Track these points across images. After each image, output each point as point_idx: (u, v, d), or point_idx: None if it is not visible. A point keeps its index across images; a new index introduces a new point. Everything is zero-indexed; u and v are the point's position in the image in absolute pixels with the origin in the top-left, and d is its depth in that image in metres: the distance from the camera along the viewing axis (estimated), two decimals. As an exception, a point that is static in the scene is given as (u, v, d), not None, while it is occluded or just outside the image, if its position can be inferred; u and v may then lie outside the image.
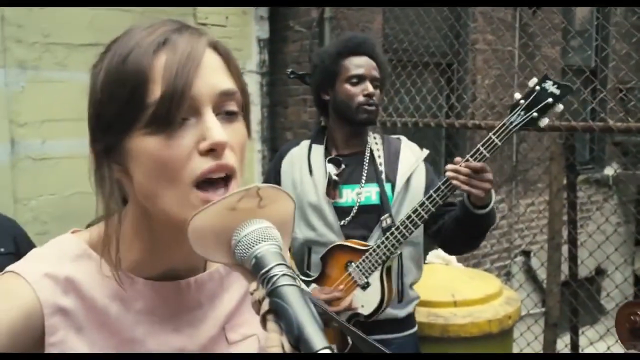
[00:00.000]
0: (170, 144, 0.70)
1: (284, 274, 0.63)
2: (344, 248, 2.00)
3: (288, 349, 0.59)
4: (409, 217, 1.90)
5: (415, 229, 1.91)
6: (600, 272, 5.56)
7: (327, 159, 2.06)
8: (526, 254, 5.47)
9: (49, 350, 0.72)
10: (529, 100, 1.73)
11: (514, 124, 1.74)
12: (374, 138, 2.13)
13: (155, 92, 0.69)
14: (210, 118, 0.71)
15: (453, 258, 2.99)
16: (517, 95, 1.77)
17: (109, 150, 0.73)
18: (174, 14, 3.50)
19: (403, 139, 2.19)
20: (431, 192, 1.87)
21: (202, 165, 0.70)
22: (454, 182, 1.77)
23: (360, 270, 1.97)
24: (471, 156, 1.77)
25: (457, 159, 1.82)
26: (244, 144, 0.76)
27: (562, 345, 3.65)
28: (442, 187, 1.84)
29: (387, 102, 3.91)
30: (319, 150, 2.10)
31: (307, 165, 2.08)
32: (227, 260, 0.69)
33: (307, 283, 2.03)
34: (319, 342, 0.58)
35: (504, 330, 2.57)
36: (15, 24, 2.96)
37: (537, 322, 3.66)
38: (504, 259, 5.32)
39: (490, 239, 4.78)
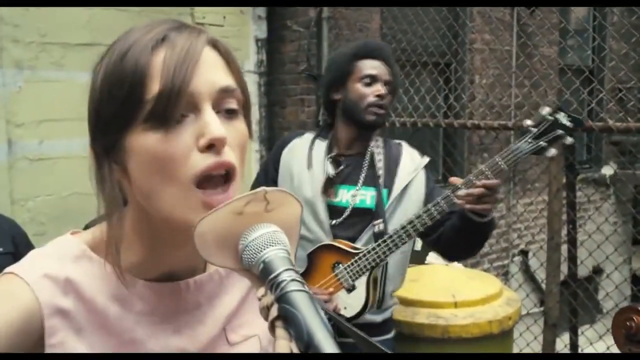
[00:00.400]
0: (168, 140, 0.69)
1: (292, 279, 0.62)
2: (334, 248, 1.99)
3: (298, 356, 0.58)
4: (403, 227, 1.89)
5: (409, 239, 1.91)
6: (597, 271, 5.57)
7: (328, 156, 2.05)
8: (524, 253, 5.48)
9: (49, 351, 0.71)
10: (540, 129, 1.72)
11: (522, 152, 1.74)
12: (376, 141, 2.12)
13: (153, 88, 0.68)
14: (209, 114, 0.70)
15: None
16: (528, 122, 1.76)
17: (108, 150, 0.72)
18: (172, 14, 3.48)
19: (404, 144, 2.17)
20: (429, 206, 1.85)
21: (201, 162, 0.69)
22: (467, 206, 1.75)
23: (348, 273, 1.96)
24: (474, 177, 1.76)
25: (454, 179, 1.82)
26: (244, 143, 0.75)
27: (562, 345, 3.65)
28: (441, 202, 1.83)
29: (386, 102, 3.90)
30: (321, 146, 2.09)
31: (306, 158, 2.06)
32: (234, 266, 0.68)
33: None
34: (329, 349, 0.57)
35: (505, 330, 2.57)
36: (11, 23, 2.94)
37: (537, 322, 3.66)
38: (503, 259, 5.32)
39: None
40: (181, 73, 0.69)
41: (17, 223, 2.20)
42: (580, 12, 5.90)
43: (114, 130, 0.71)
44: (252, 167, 3.97)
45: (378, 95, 1.99)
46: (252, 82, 3.96)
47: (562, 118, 1.71)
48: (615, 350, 1.72)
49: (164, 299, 0.79)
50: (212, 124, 0.69)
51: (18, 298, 0.70)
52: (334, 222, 2.01)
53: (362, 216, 2.01)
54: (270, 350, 0.88)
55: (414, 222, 1.87)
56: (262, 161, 4.01)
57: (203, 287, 0.83)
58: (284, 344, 0.59)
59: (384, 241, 1.90)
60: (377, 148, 2.09)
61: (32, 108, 2.99)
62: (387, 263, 2.02)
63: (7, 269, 0.74)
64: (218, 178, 0.71)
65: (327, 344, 0.57)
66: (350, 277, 1.96)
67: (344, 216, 2.01)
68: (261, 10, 3.97)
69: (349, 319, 1.97)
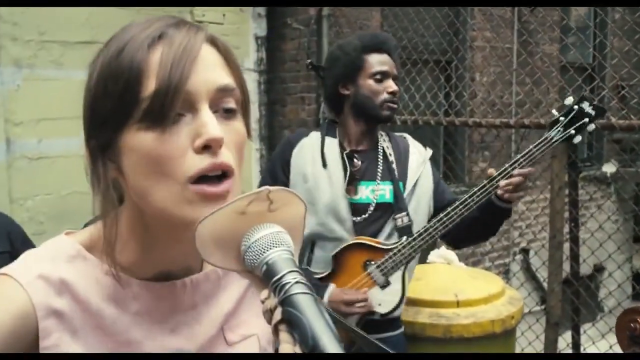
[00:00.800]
0: (164, 139, 0.68)
1: (297, 282, 0.60)
2: (362, 246, 1.97)
3: (302, 360, 0.56)
4: (439, 219, 1.92)
5: (445, 230, 1.94)
6: (599, 269, 5.56)
7: (344, 153, 2.03)
8: (525, 251, 5.47)
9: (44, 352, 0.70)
10: (568, 118, 1.88)
11: (554, 140, 1.89)
12: (381, 135, 2.12)
13: (150, 86, 0.67)
14: (205, 114, 0.69)
15: (455, 257, 2.97)
16: (555, 112, 1.92)
17: (103, 148, 0.71)
18: (171, 12, 3.46)
19: (408, 137, 2.18)
20: (465, 196, 1.92)
21: (197, 163, 0.68)
22: (507, 195, 1.86)
23: (381, 270, 1.96)
24: (510, 166, 1.88)
25: (491, 170, 1.92)
26: (242, 143, 0.74)
27: (564, 344, 3.64)
28: (478, 192, 1.91)
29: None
30: (333, 143, 2.06)
31: (320, 157, 2.02)
32: (236, 267, 0.67)
33: (320, 280, 2.00)
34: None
35: (507, 330, 2.55)
36: (10, 21, 2.93)
37: (539, 321, 3.65)
38: (504, 257, 5.31)
39: (489, 237, 4.76)
40: (178, 71, 0.67)
41: (13, 220, 2.13)
42: (582, 9, 5.88)
43: (108, 128, 0.69)
44: (252, 167, 3.96)
45: (391, 92, 2.00)
46: (252, 80, 3.95)
47: (587, 107, 1.88)
48: (618, 349, 1.71)
49: (160, 299, 0.78)
50: (209, 124, 0.68)
51: (11, 300, 0.70)
52: (356, 219, 1.99)
53: (383, 211, 2.01)
54: (269, 350, 0.88)
55: (450, 212, 1.91)
56: (262, 160, 3.99)
57: (199, 286, 0.82)
58: (288, 349, 0.58)
59: (420, 234, 1.93)
60: (385, 142, 2.10)
61: (30, 107, 2.98)
62: None
63: (0, 271, 0.73)
64: (214, 178, 0.70)
65: (333, 349, 0.56)
66: (384, 273, 1.96)
67: (368, 212, 2.00)
68: (261, 8, 3.96)
69: (383, 315, 1.99)
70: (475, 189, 1.91)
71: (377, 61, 2.01)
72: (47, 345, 0.70)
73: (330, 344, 0.56)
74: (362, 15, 4.18)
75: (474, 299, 2.56)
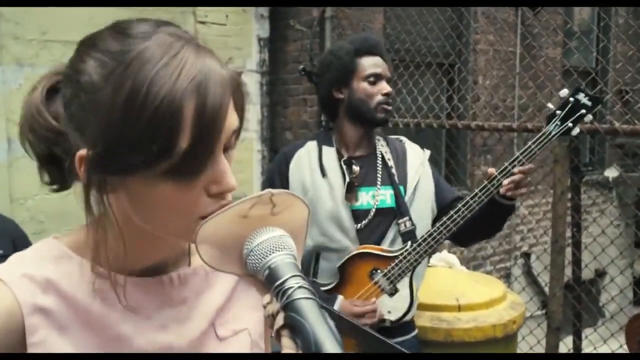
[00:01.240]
0: (183, 191, 0.67)
1: (300, 287, 0.60)
2: (367, 255, 1.96)
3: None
4: (443, 223, 1.91)
5: (449, 234, 1.92)
6: (600, 274, 5.54)
7: (342, 160, 2.02)
8: (527, 255, 5.45)
9: (31, 350, 0.70)
10: (565, 111, 1.85)
11: (552, 134, 1.86)
12: (379, 140, 2.10)
13: (182, 142, 0.64)
14: (223, 162, 0.68)
15: (456, 261, 2.96)
16: (551, 106, 1.90)
17: (105, 181, 0.68)
18: (174, 12, 3.46)
19: (405, 140, 2.17)
20: (468, 198, 1.90)
21: (210, 206, 0.68)
22: (510, 193, 1.85)
23: (389, 278, 1.95)
24: (509, 164, 1.87)
25: (491, 170, 1.90)
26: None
27: (565, 349, 3.62)
28: (479, 194, 1.89)
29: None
30: (330, 152, 2.05)
31: (318, 167, 2.01)
32: (238, 271, 0.66)
33: (327, 292, 1.99)
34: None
35: (509, 335, 2.54)
36: (12, 20, 2.92)
37: (540, 325, 3.63)
38: (505, 261, 5.30)
39: (491, 240, 4.75)
40: (211, 134, 0.65)
41: (18, 225, 2.15)
42: (586, 13, 5.87)
43: (124, 167, 0.65)
44: (254, 168, 3.95)
45: (385, 94, 1.99)
46: (254, 82, 3.94)
47: (583, 98, 1.85)
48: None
49: (148, 294, 0.78)
50: (226, 174, 0.68)
51: None
52: (358, 226, 1.98)
53: (385, 216, 1.99)
54: (261, 344, 0.88)
55: (454, 216, 1.90)
56: (263, 161, 3.98)
57: (188, 281, 0.82)
58: (290, 355, 0.57)
59: (425, 239, 1.92)
60: (382, 146, 2.08)
61: (32, 106, 2.97)
62: None
63: None
64: None
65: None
66: (392, 281, 1.95)
67: (368, 218, 1.98)
68: (264, 9, 3.95)
69: (393, 322, 1.97)
70: (477, 190, 1.90)
71: (370, 64, 2.00)
72: (34, 341, 0.70)
73: (333, 351, 0.55)
74: (365, 17, 4.18)
75: (476, 303, 2.55)
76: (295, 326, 0.58)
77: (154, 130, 0.63)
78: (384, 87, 2.00)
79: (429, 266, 2.96)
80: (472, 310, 2.53)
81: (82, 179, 0.68)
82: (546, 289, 3.86)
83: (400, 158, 2.07)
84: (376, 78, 2.00)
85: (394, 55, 3.94)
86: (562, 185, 3.18)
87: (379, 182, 2.01)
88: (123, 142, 0.64)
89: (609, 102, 4.91)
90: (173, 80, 0.63)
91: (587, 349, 3.75)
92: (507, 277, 5.28)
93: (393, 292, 1.96)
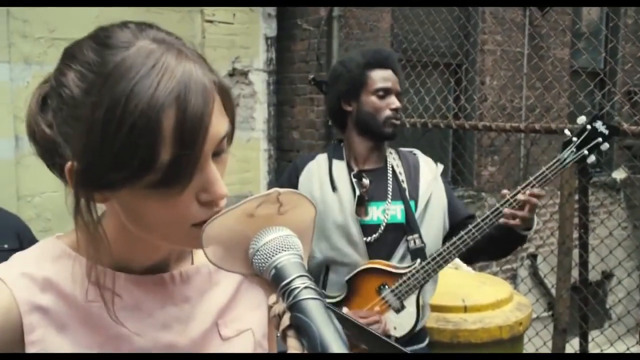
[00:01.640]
0: (170, 203, 0.66)
1: (306, 287, 0.59)
2: (376, 271, 1.94)
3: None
4: (453, 243, 1.89)
5: (458, 255, 1.91)
6: (607, 276, 5.51)
7: (353, 174, 1.99)
8: (533, 257, 5.43)
9: (30, 348, 0.70)
10: (581, 139, 1.85)
11: (566, 161, 1.86)
12: (390, 153, 2.08)
13: (164, 155, 0.63)
14: (212, 171, 0.67)
15: (462, 262, 2.95)
16: (568, 133, 1.89)
17: (92, 196, 0.67)
18: (181, 11, 3.46)
19: (418, 153, 2.14)
20: (479, 220, 1.89)
21: (202, 215, 0.67)
22: (511, 222, 1.83)
23: (396, 295, 1.93)
24: (522, 189, 1.85)
25: (505, 191, 1.88)
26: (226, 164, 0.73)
27: (572, 351, 3.60)
28: (490, 216, 1.87)
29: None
30: (341, 166, 2.02)
31: (328, 181, 1.99)
32: (244, 270, 0.66)
33: (334, 305, 1.98)
34: (345, 361, 0.54)
35: (515, 336, 2.53)
36: (20, 18, 2.93)
37: (547, 327, 3.62)
38: (511, 262, 5.28)
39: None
40: (194, 144, 0.64)
41: (21, 219, 2.18)
42: (594, 13, 5.84)
43: (107, 181, 0.65)
44: (261, 167, 3.95)
45: (394, 109, 1.97)
46: (261, 81, 3.94)
47: (600, 126, 1.85)
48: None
49: (149, 293, 0.78)
50: (217, 182, 0.67)
51: None
52: (368, 240, 1.95)
53: (395, 232, 1.97)
54: (264, 345, 0.88)
55: (464, 237, 1.88)
56: (270, 160, 3.98)
57: (190, 279, 0.82)
58: (296, 355, 0.56)
59: (434, 259, 1.90)
60: (394, 160, 2.06)
61: (39, 104, 2.98)
62: None
63: None
64: None
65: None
66: (399, 297, 1.94)
67: (378, 233, 1.95)
68: (271, 8, 3.95)
69: (399, 339, 1.95)
70: (488, 212, 1.88)
71: (380, 77, 1.98)
72: (32, 339, 0.70)
73: (339, 352, 0.55)
74: (373, 17, 4.17)
75: (482, 304, 2.54)
76: (301, 327, 0.57)
77: (133, 145, 0.61)
78: (393, 101, 1.97)
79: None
80: (479, 311, 2.52)
81: (71, 189, 0.67)
82: (553, 291, 3.84)
83: (412, 172, 2.04)
84: (385, 92, 1.97)
85: (401, 55, 3.93)
86: (569, 187, 3.17)
87: (389, 197, 1.98)
88: (104, 158, 0.63)
89: (617, 103, 4.88)
90: (150, 94, 0.62)
91: (593, 350, 3.73)
92: (513, 278, 5.26)
93: (400, 308, 1.95)
